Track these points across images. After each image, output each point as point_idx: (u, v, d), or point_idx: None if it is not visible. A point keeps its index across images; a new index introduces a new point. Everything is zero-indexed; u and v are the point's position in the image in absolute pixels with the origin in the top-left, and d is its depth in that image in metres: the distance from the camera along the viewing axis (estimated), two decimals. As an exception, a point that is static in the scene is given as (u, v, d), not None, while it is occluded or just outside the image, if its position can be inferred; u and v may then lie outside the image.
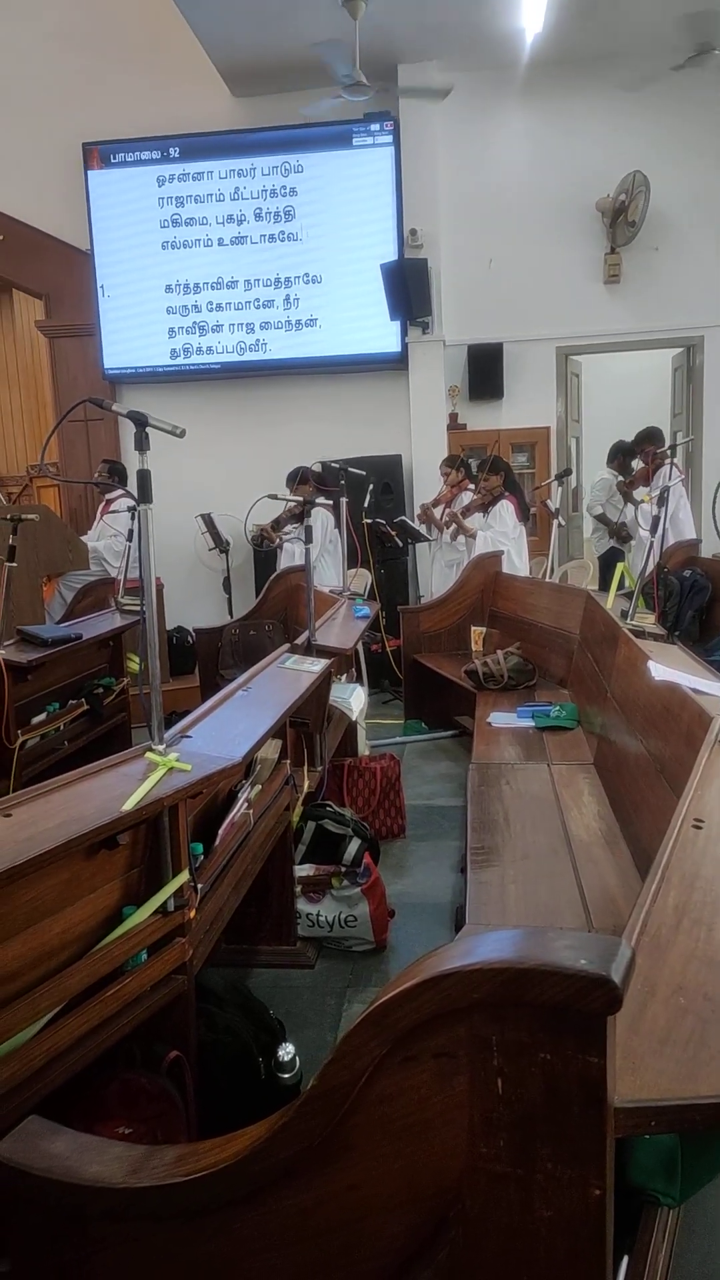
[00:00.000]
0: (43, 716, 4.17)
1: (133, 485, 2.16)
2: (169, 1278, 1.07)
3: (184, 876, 2.12)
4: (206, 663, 6.06)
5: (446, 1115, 0.93)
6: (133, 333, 7.70)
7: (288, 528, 6.63)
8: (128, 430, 7.75)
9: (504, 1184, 0.91)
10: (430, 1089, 0.93)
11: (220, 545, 7.34)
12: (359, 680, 5.22)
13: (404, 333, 7.54)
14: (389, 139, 7.35)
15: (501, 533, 6.37)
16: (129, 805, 1.88)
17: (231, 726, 2.54)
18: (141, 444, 2.09)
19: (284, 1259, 1.00)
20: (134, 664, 5.24)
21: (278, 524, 6.65)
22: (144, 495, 2.10)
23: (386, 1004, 0.91)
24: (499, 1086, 0.90)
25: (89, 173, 7.43)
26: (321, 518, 6.02)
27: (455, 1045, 0.91)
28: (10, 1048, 1.67)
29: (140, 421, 2.08)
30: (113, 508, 6.80)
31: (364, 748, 4.80)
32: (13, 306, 10.27)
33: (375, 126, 7.35)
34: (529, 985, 0.86)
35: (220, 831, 2.50)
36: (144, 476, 2.10)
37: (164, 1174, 1.05)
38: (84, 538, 6.91)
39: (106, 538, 6.90)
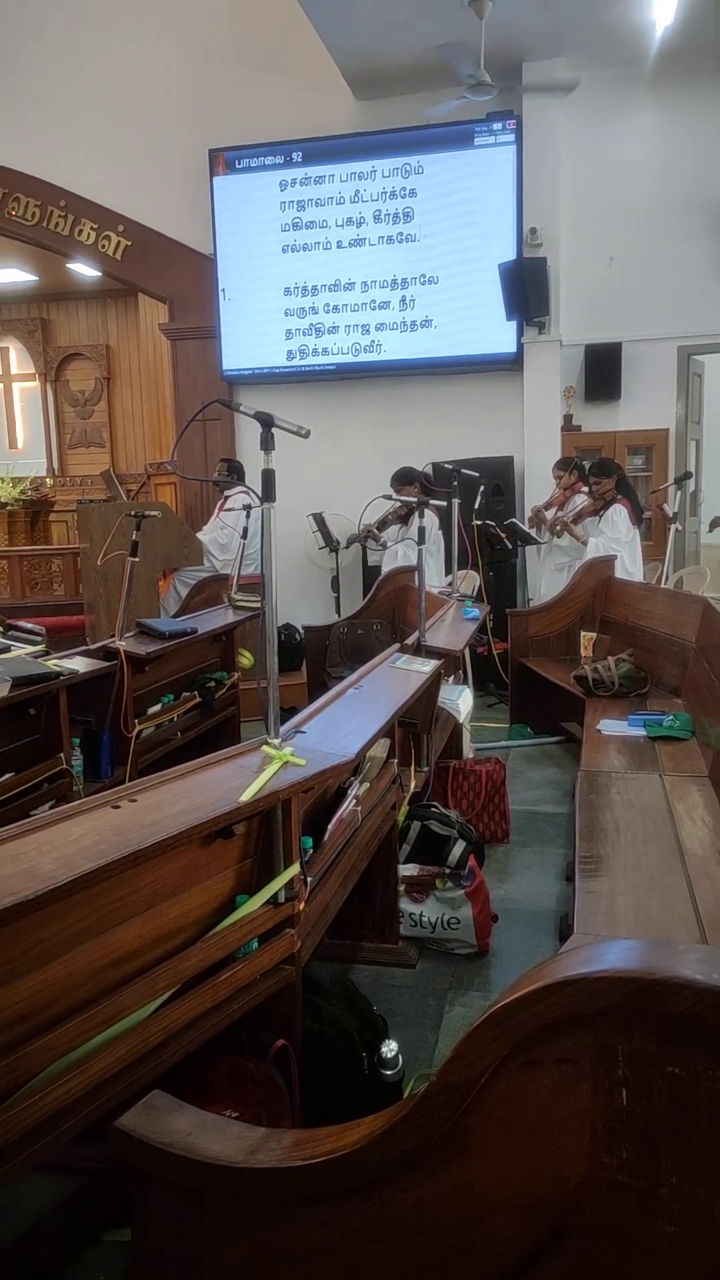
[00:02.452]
0: (158, 707, 4.30)
1: (256, 483, 2.21)
2: (285, 1259, 1.09)
3: (295, 869, 2.16)
4: (314, 660, 6.14)
5: (567, 1122, 0.92)
6: (251, 335, 7.86)
7: (391, 528, 6.64)
8: (245, 430, 7.93)
9: (625, 1195, 0.90)
10: (551, 1094, 0.93)
11: (330, 544, 7.42)
12: (465, 682, 5.19)
13: (520, 333, 7.46)
14: (511, 138, 7.29)
15: (614, 538, 6.23)
16: (246, 796, 1.93)
17: (344, 724, 2.57)
18: (267, 443, 2.13)
19: (398, 1250, 1.01)
20: (245, 659, 5.35)
21: (382, 525, 6.67)
22: (267, 494, 2.15)
23: (510, 1005, 0.91)
24: (623, 1097, 0.89)
25: (214, 179, 7.62)
26: (428, 519, 6.02)
27: (579, 1052, 0.91)
28: (130, 1024, 1.73)
29: (266, 422, 2.13)
30: (228, 505, 6.96)
31: (468, 750, 4.77)
32: (138, 310, 10.62)
33: (498, 125, 7.30)
34: (659, 997, 0.85)
35: (329, 827, 2.54)
36: (268, 476, 2.15)
37: (282, 1157, 1.08)
38: (199, 534, 7.10)
39: (215, 531, 7.06)
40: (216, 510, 7.39)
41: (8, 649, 4.00)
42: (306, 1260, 1.10)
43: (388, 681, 3.21)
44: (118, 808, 1.83)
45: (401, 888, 3.25)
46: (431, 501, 4.69)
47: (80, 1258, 1.91)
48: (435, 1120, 0.97)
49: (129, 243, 7.87)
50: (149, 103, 7.86)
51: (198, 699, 4.62)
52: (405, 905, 3.26)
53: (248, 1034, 2.12)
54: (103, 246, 7.87)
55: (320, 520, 7.42)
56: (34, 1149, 1.56)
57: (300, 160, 7.52)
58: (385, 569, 6.39)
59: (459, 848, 3.27)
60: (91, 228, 7.83)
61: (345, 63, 7.12)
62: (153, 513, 4.31)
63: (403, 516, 6.45)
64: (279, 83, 7.71)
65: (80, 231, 7.84)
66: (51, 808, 3.35)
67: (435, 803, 3.66)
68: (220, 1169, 1.09)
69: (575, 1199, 0.93)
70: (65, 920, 1.62)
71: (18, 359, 13.01)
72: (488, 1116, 0.95)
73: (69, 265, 9.96)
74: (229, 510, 6.80)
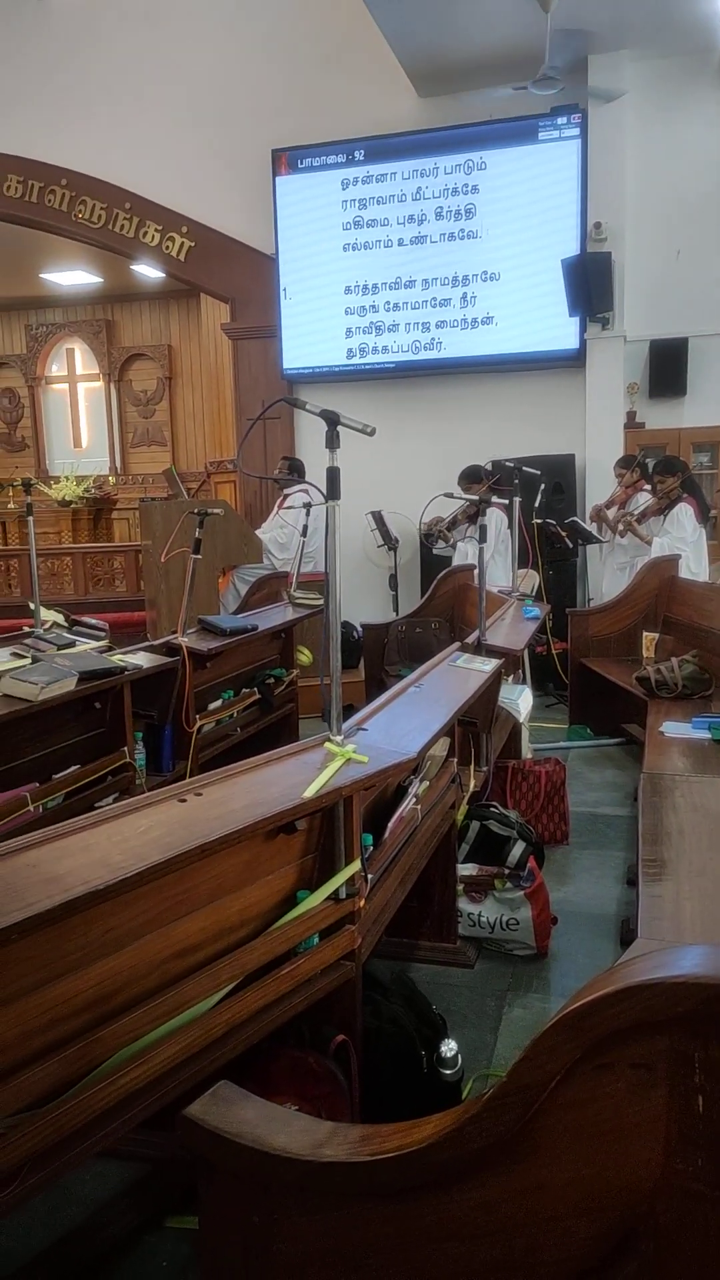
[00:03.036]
0: (218, 703, 4.34)
1: (319, 480, 2.22)
2: (351, 1254, 1.09)
3: (356, 865, 2.17)
4: (372, 658, 6.14)
5: (641, 1127, 0.91)
6: (311, 333, 7.89)
7: (461, 527, 6.61)
8: (305, 428, 7.97)
9: (700, 1204, 0.89)
10: (624, 1099, 0.92)
11: (389, 543, 7.42)
12: (524, 682, 5.15)
13: (583, 329, 7.38)
14: (576, 132, 7.21)
15: (679, 538, 6.13)
16: (310, 792, 1.94)
17: (405, 721, 2.57)
18: (332, 442, 2.14)
19: (465, 1250, 1.01)
20: (304, 656, 5.38)
21: (452, 524, 6.63)
22: (332, 492, 2.16)
23: (583, 1008, 0.90)
24: (699, 1104, 0.88)
25: (277, 178, 7.67)
26: (495, 517, 5.98)
27: (653, 1058, 0.89)
28: (193, 1015, 1.76)
29: (332, 420, 2.13)
30: (288, 503, 7.00)
31: (527, 751, 4.73)
32: (199, 310, 10.73)
33: (562, 120, 7.22)
34: (738, 1004, 0.83)
35: (389, 825, 2.54)
36: (333, 474, 2.16)
37: (349, 1152, 1.08)
38: (258, 532, 7.15)
39: (275, 530, 7.11)
40: (276, 508, 7.43)
41: (72, 644, 4.08)
42: (372, 1256, 1.10)
43: (448, 680, 3.20)
44: (184, 801, 1.86)
45: (460, 887, 3.23)
46: (494, 499, 4.66)
47: (143, 1243, 1.94)
48: (505, 1121, 0.96)
49: (192, 243, 7.96)
50: (213, 104, 7.94)
51: (257, 695, 4.66)
52: (463, 905, 3.24)
53: (309, 1028, 2.14)
54: (166, 248, 7.98)
55: (379, 518, 7.42)
56: (101, 1134, 1.59)
57: (362, 158, 7.53)
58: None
59: (519, 848, 3.24)
60: (156, 229, 7.94)
61: (408, 59, 7.10)
62: (215, 510, 4.36)
63: (472, 515, 6.41)
64: (341, 81, 7.73)
65: (145, 233, 7.96)
66: (115, 800, 3.41)
67: (494, 803, 3.63)
68: (287, 1161, 1.10)
69: (648, 1206, 0.92)
70: (133, 910, 1.65)
71: (83, 359, 13.25)
72: (559, 1119, 0.94)
73: (133, 267, 10.12)
74: (289, 508, 6.84)
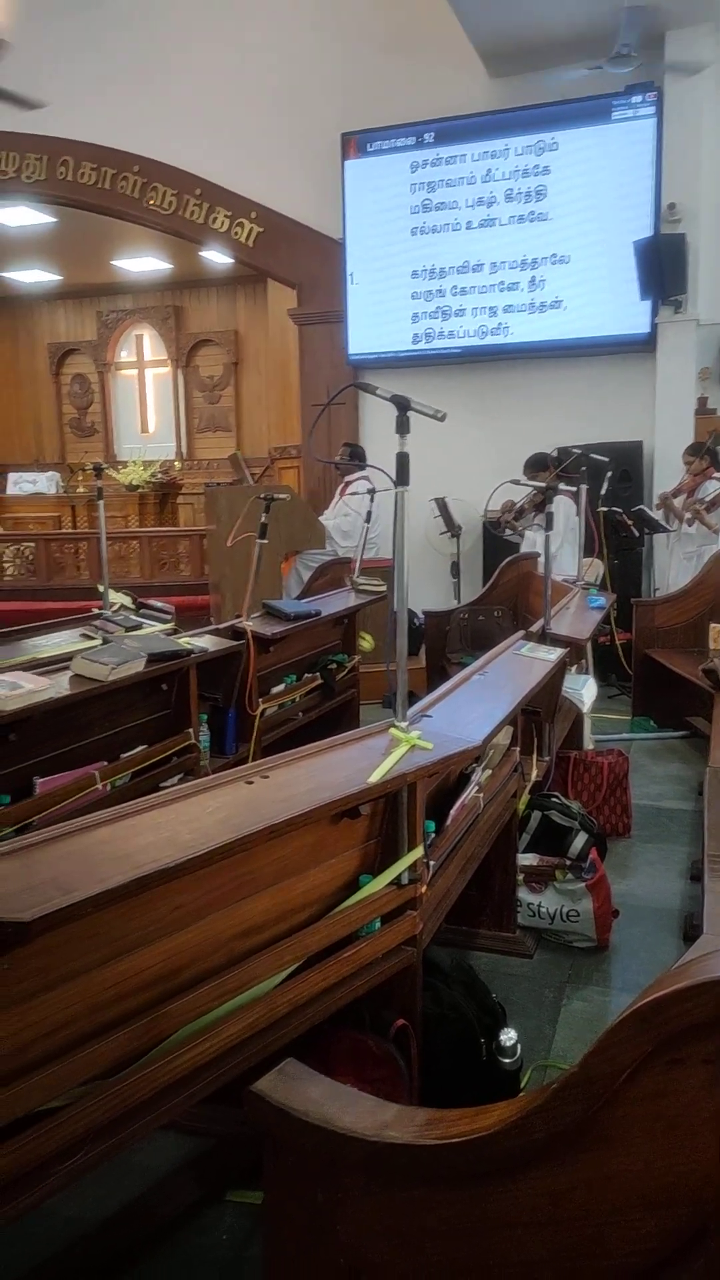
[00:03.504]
0: (281, 687, 4.37)
1: (383, 466, 2.21)
2: (414, 1236, 1.10)
3: (419, 852, 2.17)
4: (433, 646, 6.13)
5: (713, 1123, 0.90)
6: (377, 318, 7.85)
7: (528, 516, 6.53)
8: (370, 413, 7.96)
9: (774, 1206, 0.87)
10: (698, 1094, 0.90)
11: (452, 529, 7.37)
12: (587, 672, 5.08)
13: (654, 313, 7.21)
14: (651, 111, 7.02)
15: (750, 526, 5.98)
16: (375, 778, 1.95)
17: (469, 709, 2.56)
18: (402, 427, 2.13)
19: (532, 1237, 1.01)
20: (366, 642, 5.39)
21: (519, 514, 6.55)
22: (402, 478, 2.15)
23: (657, 1002, 0.89)
24: (775, 1104, 0.86)
25: (346, 162, 7.63)
26: (564, 505, 5.90)
27: (728, 1055, 0.88)
28: (257, 993, 1.78)
29: (403, 405, 2.12)
30: (351, 489, 7.00)
31: (589, 741, 4.68)
32: (266, 296, 10.76)
33: (636, 98, 7.05)
34: None
35: (451, 812, 2.53)
36: (403, 459, 2.15)
37: (415, 1135, 1.09)
38: (321, 517, 7.17)
39: (339, 517, 7.11)
40: (338, 494, 7.44)
41: (139, 626, 4.15)
42: (435, 1239, 1.11)
43: (512, 669, 3.18)
44: (251, 783, 1.88)
45: (520, 877, 3.22)
46: (561, 487, 4.59)
47: (203, 1216, 1.98)
48: (572, 1112, 0.96)
49: (261, 229, 7.98)
50: (283, 89, 7.93)
51: (319, 680, 4.68)
52: (523, 895, 3.23)
53: (369, 1011, 2.15)
54: (235, 234, 8.01)
55: (443, 505, 7.38)
56: (165, 1108, 1.62)
57: (432, 141, 7.45)
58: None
59: (581, 839, 3.21)
60: (225, 215, 7.98)
61: (481, 39, 7.00)
62: (281, 496, 4.38)
63: (539, 504, 6.34)
64: (412, 63, 7.65)
65: (214, 219, 8.00)
66: (180, 780, 3.47)
67: (556, 793, 3.60)
68: (353, 1140, 1.11)
69: (718, 1203, 0.91)
70: (200, 888, 1.68)
71: (151, 346, 13.40)
72: (630, 1112, 0.93)
73: (202, 253, 10.18)
74: (353, 494, 6.83)
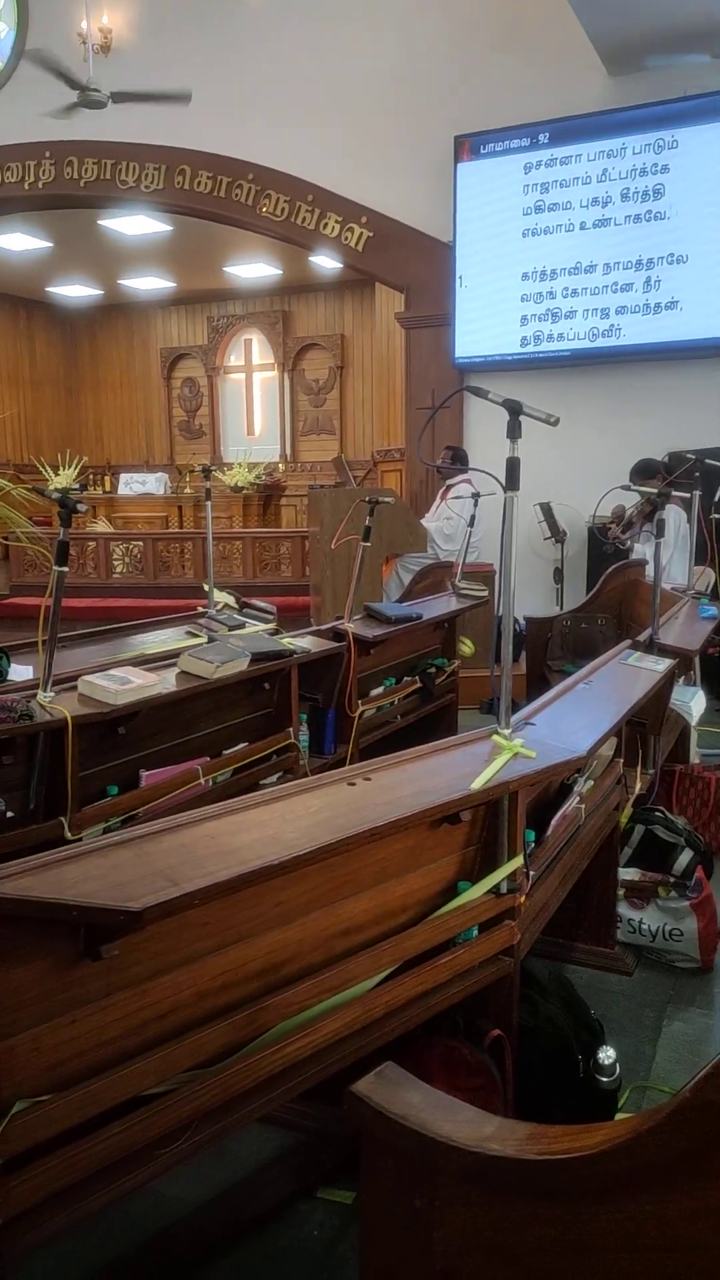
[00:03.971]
0: (380, 690, 4.38)
1: (485, 468, 2.19)
2: (512, 1250, 1.09)
3: (519, 861, 2.14)
4: (534, 652, 6.03)
5: None
6: (485, 322, 7.80)
7: (636, 527, 6.37)
8: (474, 417, 7.91)
9: None
10: None
11: (556, 535, 7.27)
12: (695, 684, 4.93)
13: (775, 314, 6.95)
14: (779, 103, 6.78)
15: None
16: (477, 784, 1.93)
17: (574, 719, 2.52)
18: (514, 431, 2.11)
19: (633, 1263, 0.99)
20: (466, 647, 5.35)
21: (628, 525, 6.40)
22: (512, 482, 2.13)
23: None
24: None
25: (458, 165, 7.61)
26: (674, 513, 5.74)
27: None
28: (355, 993, 1.79)
29: (515, 409, 2.10)
30: (454, 493, 6.97)
31: (695, 755, 4.54)
32: (374, 300, 10.82)
33: (762, 92, 6.81)
34: None
35: (552, 823, 2.49)
36: (513, 464, 2.13)
37: (517, 1148, 1.07)
38: (422, 521, 7.16)
39: (441, 520, 7.09)
40: (439, 497, 7.42)
41: (242, 625, 4.22)
42: (533, 1256, 1.09)
43: (618, 678, 3.11)
44: (354, 785, 1.89)
45: (621, 892, 3.14)
46: (674, 494, 4.47)
47: (296, 1210, 2.00)
48: (686, 1137, 0.93)
49: (370, 234, 8.03)
50: (396, 93, 7.96)
51: (418, 684, 4.67)
52: (624, 910, 3.15)
53: (464, 1020, 2.14)
54: (345, 238, 8.08)
55: (547, 510, 7.28)
56: (264, 1099, 1.65)
57: (547, 142, 7.36)
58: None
59: (686, 856, 3.12)
60: (336, 220, 8.06)
61: (600, 35, 6.87)
62: (386, 499, 4.39)
63: (648, 514, 6.18)
64: (527, 64, 7.57)
65: (325, 225, 8.09)
66: (279, 779, 3.51)
67: (660, 807, 3.50)
68: (453, 1149, 1.10)
69: None
70: (302, 886, 1.70)
71: (259, 350, 13.65)
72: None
73: (311, 259, 10.31)
74: (456, 498, 6.80)
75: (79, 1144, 1.38)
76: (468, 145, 7.61)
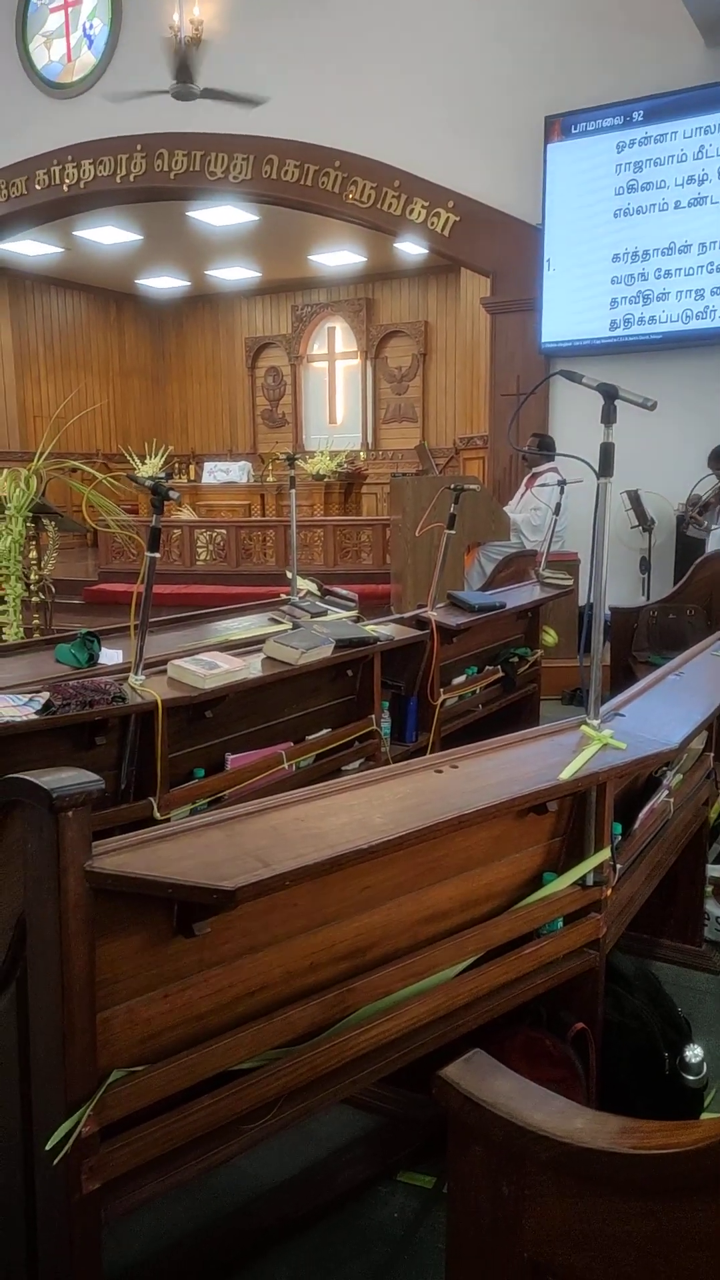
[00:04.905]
0: (462, 679, 4.37)
1: (571, 455, 2.16)
2: (600, 1242, 1.08)
3: (605, 853, 2.11)
4: (619, 643, 5.91)
5: None
6: (573, 305, 7.65)
7: (713, 510, 6.20)
8: (560, 403, 7.78)
9: None
10: None
11: (644, 523, 7.10)
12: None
13: None
14: None
15: None
16: (566, 775, 1.91)
17: (664, 710, 2.46)
18: (608, 416, 2.07)
19: (730, 1264, 0.97)
20: (549, 637, 5.29)
21: (704, 508, 6.24)
22: (605, 469, 2.09)
23: None
24: None
25: (548, 146, 7.46)
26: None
27: None
28: (439, 980, 1.80)
29: (610, 394, 2.06)
30: (540, 481, 6.87)
31: (788, 752, 4.40)
32: (459, 286, 10.73)
33: None
34: None
35: (640, 816, 2.45)
36: (607, 450, 2.09)
37: (609, 1141, 1.06)
38: (506, 509, 7.08)
39: (528, 510, 6.99)
40: (524, 485, 7.32)
41: (324, 613, 4.25)
42: (623, 1249, 1.08)
43: (711, 670, 3.03)
44: (440, 772, 1.89)
45: (709, 889, 3.08)
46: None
47: (375, 1192, 2.02)
48: (789, 1140, 0.90)
49: (457, 218, 7.94)
50: (484, 75, 7.84)
51: (500, 673, 4.64)
52: (711, 907, 3.09)
53: (547, 1011, 2.12)
54: (431, 224, 8.01)
55: (635, 498, 7.12)
56: (349, 1080, 1.67)
57: (641, 119, 7.16)
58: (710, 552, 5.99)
59: (778, 855, 3.03)
60: (423, 205, 7.99)
61: (698, 4, 6.64)
62: (471, 487, 4.36)
63: (724, 498, 6.02)
64: (620, 39, 7.37)
65: (411, 210, 8.03)
66: (361, 765, 3.53)
67: (751, 804, 3.41)
68: (543, 1138, 1.09)
69: None
70: (389, 872, 1.70)
71: (343, 338, 13.67)
72: None
73: (395, 245, 10.26)
74: (543, 486, 6.71)
75: (172, 1114, 1.42)
76: (558, 125, 7.46)
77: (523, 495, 7.22)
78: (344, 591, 4.74)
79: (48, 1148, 1.30)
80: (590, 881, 2.10)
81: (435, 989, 1.79)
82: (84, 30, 9.11)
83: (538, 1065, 2.06)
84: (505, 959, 1.91)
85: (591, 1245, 1.10)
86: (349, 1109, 2.20)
